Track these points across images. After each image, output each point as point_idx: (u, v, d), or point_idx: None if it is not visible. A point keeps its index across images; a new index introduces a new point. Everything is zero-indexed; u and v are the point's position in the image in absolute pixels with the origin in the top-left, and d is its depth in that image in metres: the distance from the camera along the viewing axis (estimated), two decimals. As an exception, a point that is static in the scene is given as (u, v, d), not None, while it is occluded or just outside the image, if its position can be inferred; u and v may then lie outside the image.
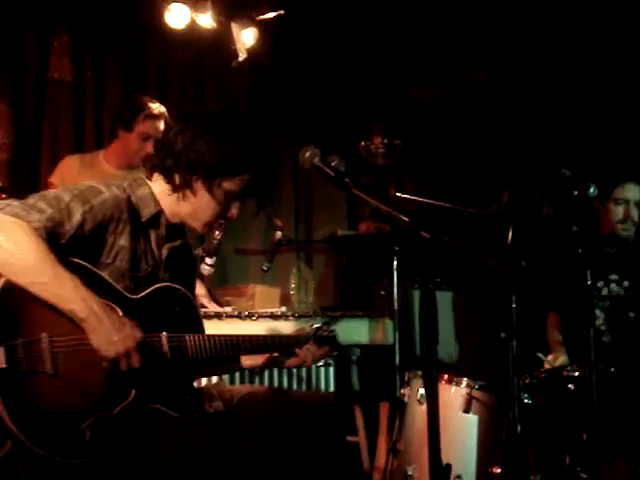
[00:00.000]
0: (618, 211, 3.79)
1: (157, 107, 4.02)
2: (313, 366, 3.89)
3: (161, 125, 4.03)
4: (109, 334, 1.97)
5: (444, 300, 4.71)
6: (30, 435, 1.85)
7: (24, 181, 4.44)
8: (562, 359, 3.61)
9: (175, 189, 2.25)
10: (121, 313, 2.04)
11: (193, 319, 2.30)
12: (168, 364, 2.14)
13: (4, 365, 1.85)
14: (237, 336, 2.35)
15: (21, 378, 1.88)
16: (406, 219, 1.94)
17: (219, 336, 2.29)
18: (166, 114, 4.06)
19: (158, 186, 2.31)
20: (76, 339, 1.97)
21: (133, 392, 2.04)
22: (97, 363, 1.98)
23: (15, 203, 2.00)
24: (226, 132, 2.24)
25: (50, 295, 1.93)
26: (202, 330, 2.33)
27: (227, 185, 2.25)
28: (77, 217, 2.06)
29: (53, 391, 1.91)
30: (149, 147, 4.02)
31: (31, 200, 2.03)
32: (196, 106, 4.24)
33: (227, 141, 2.22)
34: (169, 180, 2.26)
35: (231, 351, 2.33)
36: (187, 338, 2.20)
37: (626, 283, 3.75)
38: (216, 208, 2.29)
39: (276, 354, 2.56)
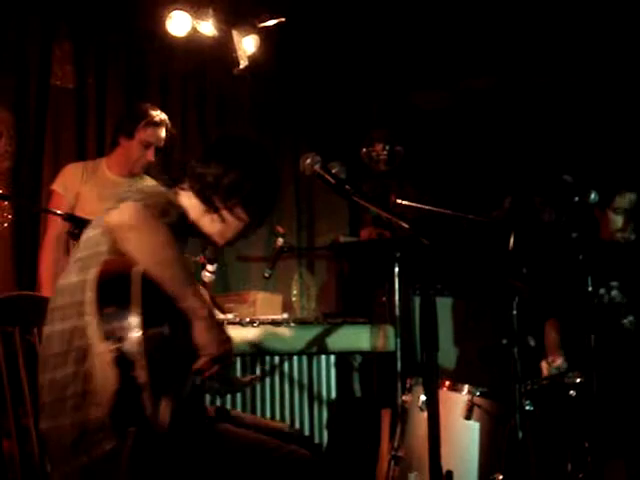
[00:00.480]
0: (617, 220, 3.79)
1: (158, 114, 4.03)
2: (315, 373, 3.89)
3: (162, 132, 4.04)
4: (220, 334, 2.13)
5: (445, 306, 4.71)
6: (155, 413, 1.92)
7: (26, 189, 4.45)
8: (559, 362, 3.61)
9: (213, 210, 2.38)
10: None
11: None
12: None
13: (150, 351, 1.91)
14: None
15: (156, 365, 1.95)
16: (407, 226, 1.94)
17: None
18: (167, 122, 4.07)
19: (186, 199, 2.42)
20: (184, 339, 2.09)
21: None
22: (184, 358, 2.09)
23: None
24: (251, 160, 2.43)
25: (178, 289, 2.06)
26: None
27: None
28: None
29: (166, 380, 2.00)
30: (150, 155, 4.03)
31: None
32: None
33: (253, 168, 2.41)
34: (206, 201, 2.38)
35: None
36: None
37: (626, 289, 3.75)
38: (241, 227, 2.43)
39: None
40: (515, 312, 2.69)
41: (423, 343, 1.91)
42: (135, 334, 1.90)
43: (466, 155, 5.67)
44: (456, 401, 3.07)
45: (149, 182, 4.23)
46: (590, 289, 2.62)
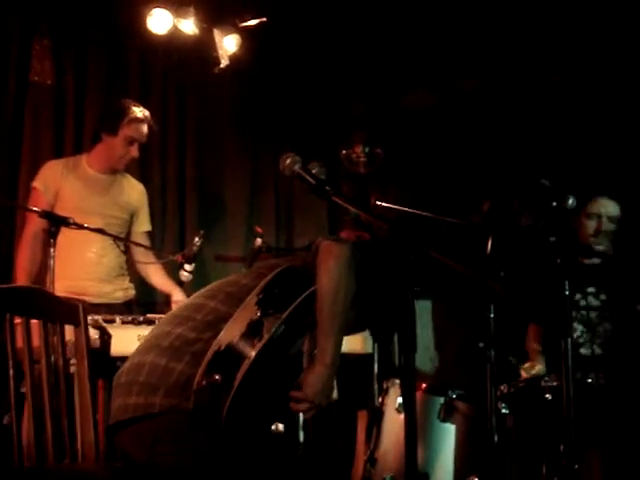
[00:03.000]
0: (590, 225, 3.83)
1: (141, 111, 4.01)
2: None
3: (145, 129, 4.02)
4: (325, 387, 2.20)
5: (423, 309, 4.72)
6: (239, 391, 2.03)
7: (3, 185, 4.41)
8: (538, 368, 3.62)
9: None
10: None
11: None
12: None
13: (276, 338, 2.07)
14: None
15: (269, 355, 2.08)
16: (386, 227, 1.94)
17: None
18: (150, 118, 4.05)
19: None
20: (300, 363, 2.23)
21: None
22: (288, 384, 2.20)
23: None
24: None
25: (328, 329, 2.19)
26: None
27: None
28: None
29: (266, 376, 2.13)
30: (134, 151, 4.01)
31: None
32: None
33: None
34: None
35: None
36: None
37: (603, 296, 3.77)
38: None
39: None
40: (492, 315, 2.70)
41: (401, 345, 1.92)
42: (279, 321, 2.08)
43: (445, 158, 5.68)
44: (433, 403, 3.08)
45: (130, 180, 4.22)
46: (567, 293, 2.63)
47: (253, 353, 2.02)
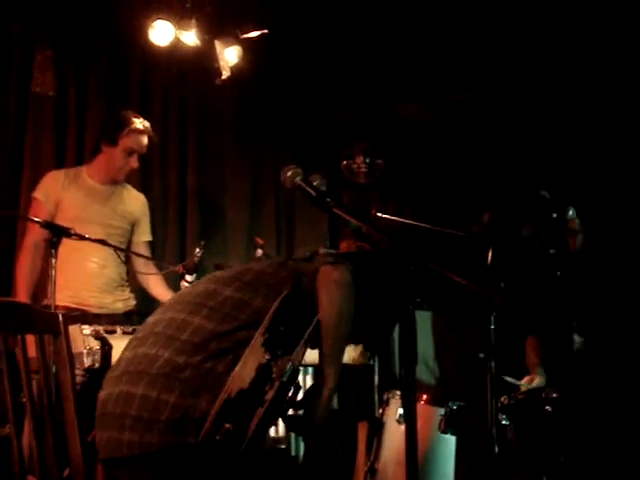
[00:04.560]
0: (578, 241, 3.82)
1: (141, 122, 4.02)
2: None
3: (145, 140, 4.03)
4: (325, 410, 2.24)
5: (423, 320, 4.72)
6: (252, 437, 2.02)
7: (5, 195, 4.42)
8: (538, 380, 3.62)
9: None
10: None
11: None
12: None
13: (285, 380, 2.07)
14: None
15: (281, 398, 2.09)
16: (386, 239, 1.95)
17: None
18: (150, 129, 4.06)
19: None
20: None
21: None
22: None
23: None
24: None
25: (332, 355, 2.24)
26: None
27: None
28: None
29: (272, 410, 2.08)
30: (134, 161, 4.02)
31: None
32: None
33: None
34: None
35: None
36: None
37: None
38: None
39: None
40: (493, 326, 2.70)
41: (402, 356, 1.92)
42: (289, 360, 2.06)
43: (445, 169, 5.69)
44: (433, 415, 3.07)
45: (131, 190, 4.22)
46: (566, 305, 2.63)
47: (267, 400, 2.01)
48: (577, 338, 3.59)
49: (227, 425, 1.97)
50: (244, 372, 2.03)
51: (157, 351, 2.14)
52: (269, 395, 2.00)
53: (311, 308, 2.21)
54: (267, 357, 2.04)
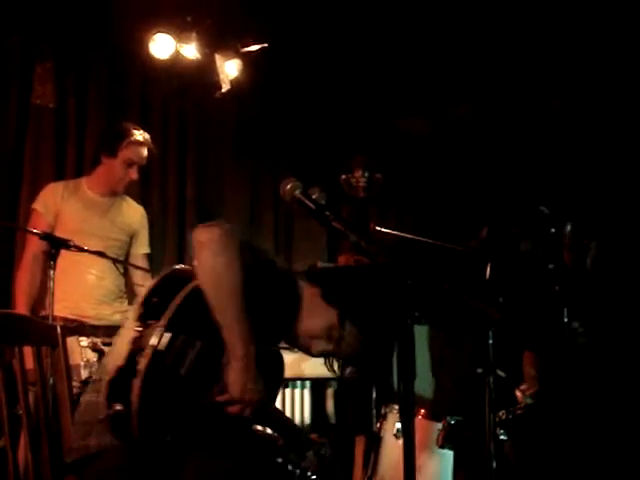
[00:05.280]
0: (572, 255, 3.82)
1: (141, 133, 4.03)
2: (288, 398, 3.88)
3: (145, 151, 4.04)
4: (247, 381, 2.07)
5: (421, 334, 4.72)
6: (141, 412, 1.95)
7: (4, 208, 4.42)
8: (534, 391, 3.61)
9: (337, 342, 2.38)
10: None
11: None
12: None
13: (163, 349, 1.97)
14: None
15: (163, 367, 1.99)
16: (385, 253, 1.95)
17: None
18: (150, 141, 4.07)
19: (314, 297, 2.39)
20: (213, 361, 2.08)
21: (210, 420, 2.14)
22: (209, 388, 2.09)
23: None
24: None
25: (226, 321, 2.06)
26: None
27: None
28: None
29: (171, 389, 2.02)
30: (133, 173, 4.02)
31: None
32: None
33: None
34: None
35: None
36: None
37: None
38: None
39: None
40: (491, 341, 2.70)
41: (400, 371, 1.91)
42: (159, 329, 1.97)
43: (444, 184, 5.70)
44: (431, 429, 3.07)
45: (130, 202, 4.23)
46: (566, 320, 2.63)
47: (140, 370, 1.95)
48: (581, 339, 3.59)
49: (117, 406, 1.95)
50: (119, 349, 2.03)
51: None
52: (141, 365, 1.94)
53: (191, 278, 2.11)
54: (138, 329, 1.99)
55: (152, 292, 2.07)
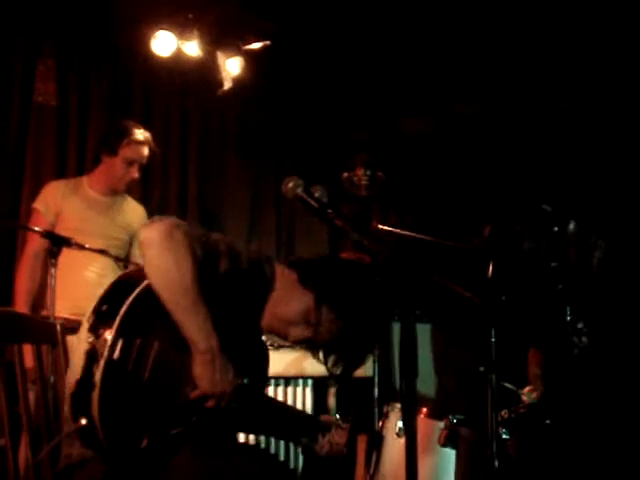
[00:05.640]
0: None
1: (141, 132, 4.02)
2: (290, 396, 3.87)
3: (145, 150, 4.03)
4: (215, 373, 2.04)
5: (423, 333, 4.71)
6: (104, 423, 1.92)
7: (6, 206, 4.42)
8: (538, 392, 3.60)
9: (315, 321, 2.31)
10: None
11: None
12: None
13: (117, 356, 1.93)
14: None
15: (122, 374, 1.95)
16: (387, 251, 1.94)
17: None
18: (150, 140, 4.06)
19: (289, 287, 2.32)
20: (177, 360, 2.04)
21: (193, 420, 2.10)
22: (180, 387, 2.05)
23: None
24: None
25: (182, 317, 2.00)
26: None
27: None
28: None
29: (136, 395, 1.98)
30: (134, 172, 4.01)
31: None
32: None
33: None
34: (317, 309, 2.29)
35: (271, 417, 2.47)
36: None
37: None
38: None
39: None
40: (494, 340, 2.69)
41: (402, 369, 1.90)
42: (108, 335, 1.92)
43: (447, 182, 5.69)
44: (433, 428, 3.06)
45: (130, 201, 4.22)
46: (569, 318, 2.62)
47: (96, 382, 1.91)
48: (584, 339, 3.58)
49: (83, 421, 1.93)
50: (75, 363, 1.98)
51: None
52: (97, 377, 1.91)
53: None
54: (90, 340, 1.95)
55: (102, 300, 2.02)
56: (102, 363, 1.91)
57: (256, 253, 2.30)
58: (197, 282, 2.01)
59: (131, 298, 1.98)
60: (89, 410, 1.91)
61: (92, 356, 1.93)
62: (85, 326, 1.99)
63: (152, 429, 2.00)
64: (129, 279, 2.08)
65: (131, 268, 2.15)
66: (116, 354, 1.93)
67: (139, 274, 2.05)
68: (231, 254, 2.16)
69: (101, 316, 1.98)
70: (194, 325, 2.01)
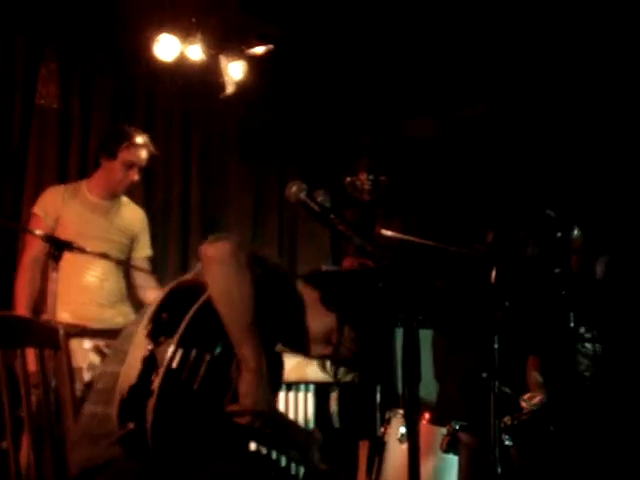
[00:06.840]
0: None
1: (141, 135, 4.02)
2: (291, 402, 3.86)
3: (144, 153, 4.03)
4: (259, 393, 2.07)
5: (426, 338, 4.69)
6: (155, 429, 1.94)
7: (7, 210, 4.41)
8: (538, 399, 3.58)
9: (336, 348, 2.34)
10: None
11: None
12: None
13: (175, 366, 1.97)
14: None
15: (177, 383, 1.98)
16: (390, 256, 1.93)
17: None
18: (149, 142, 4.06)
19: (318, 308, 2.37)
20: (223, 373, 2.09)
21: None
22: (222, 399, 2.08)
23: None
24: None
25: (239, 334, 2.07)
26: None
27: None
28: None
29: (185, 404, 2.01)
30: (133, 175, 4.01)
31: None
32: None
33: None
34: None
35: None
36: None
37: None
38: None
39: None
40: (496, 346, 2.68)
41: (405, 375, 1.89)
42: (170, 344, 1.96)
43: (450, 187, 5.68)
44: (435, 434, 3.05)
45: (130, 205, 4.21)
46: (572, 325, 2.61)
47: (154, 389, 1.94)
48: (587, 345, 3.57)
49: (130, 425, 1.94)
50: (130, 368, 1.99)
51: (102, 409, 2.15)
52: (155, 384, 1.93)
53: (200, 292, 2.11)
54: (149, 347, 1.97)
55: (160, 308, 2.05)
56: (162, 371, 1.95)
57: (289, 271, 2.39)
58: (254, 303, 2.09)
59: (193, 310, 2.04)
60: (141, 415, 1.93)
61: (150, 363, 1.97)
62: (142, 331, 2.01)
63: (192, 437, 2.04)
64: (188, 289, 2.14)
65: (186, 277, 2.17)
66: (175, 364, 1.97)
67: (197, 285, 2.11)
68: (279, 273, 2.26)
69: (161, 324, 2.02)
70: (250, 344, 2.07)
